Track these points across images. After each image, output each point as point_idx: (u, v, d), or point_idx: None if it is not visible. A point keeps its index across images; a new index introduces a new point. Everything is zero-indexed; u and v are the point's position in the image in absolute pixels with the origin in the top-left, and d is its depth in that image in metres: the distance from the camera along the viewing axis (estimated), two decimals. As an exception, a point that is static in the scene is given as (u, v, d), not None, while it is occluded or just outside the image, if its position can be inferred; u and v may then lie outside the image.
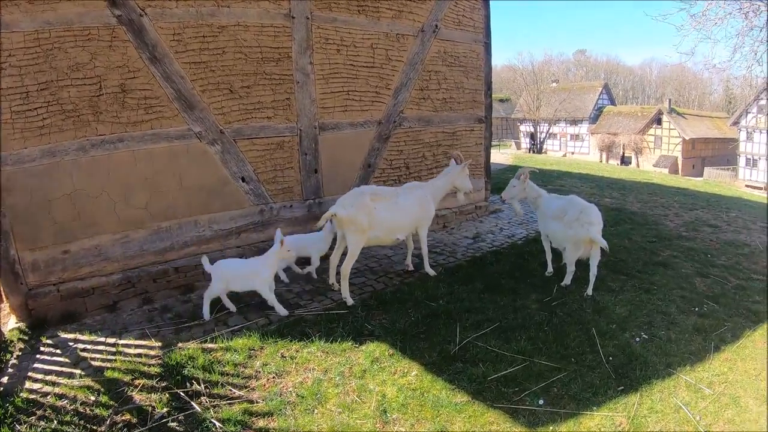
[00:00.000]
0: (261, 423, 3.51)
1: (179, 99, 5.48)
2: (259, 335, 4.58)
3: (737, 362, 4.31)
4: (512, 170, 16.24)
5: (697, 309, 5.26)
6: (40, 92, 4.81)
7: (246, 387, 3.92)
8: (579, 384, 3.87)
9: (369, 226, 5.26)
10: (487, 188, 8.91)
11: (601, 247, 5.22)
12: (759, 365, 4.28)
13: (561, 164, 20.44)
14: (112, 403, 3.73)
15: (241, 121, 5.92)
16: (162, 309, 5.32)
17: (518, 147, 48.49)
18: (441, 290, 5.57)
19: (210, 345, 4.48)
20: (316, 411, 3.62)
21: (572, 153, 47.40)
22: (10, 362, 4.33)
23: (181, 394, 3.79)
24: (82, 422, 3.53)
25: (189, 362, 4.18)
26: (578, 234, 5.27)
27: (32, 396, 3.84)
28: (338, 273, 5.48)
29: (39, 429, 3.44)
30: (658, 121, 43.21)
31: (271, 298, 5.03)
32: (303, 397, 3.75)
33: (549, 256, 6.11)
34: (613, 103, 50.56)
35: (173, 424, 3.50)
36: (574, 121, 48.10)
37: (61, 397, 3.81)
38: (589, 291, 5.42)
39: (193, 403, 3.68)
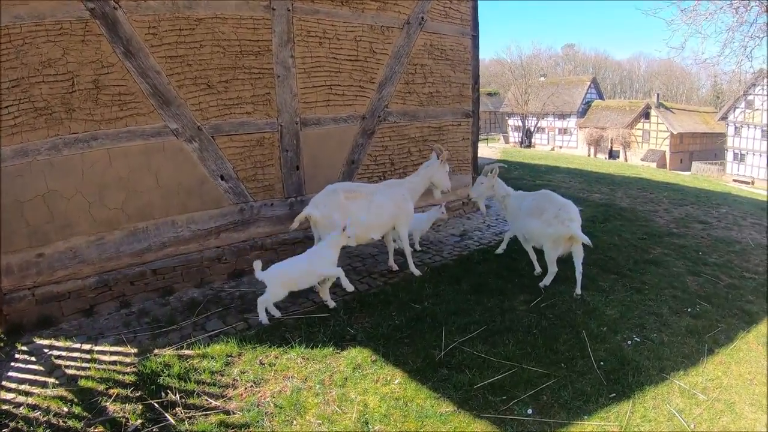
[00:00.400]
0: (237, 435, 3.38)
1: (155, 95, 5.28)
2: (237, 341, 4.43)
3: (731, 366, 4.23)
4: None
5: (689, 309, 5.18)
6: (10, 90, 4.60)
7: (223, 396, 3.77)
8: (569, 391, 3.76)
9: (348, 223, 5.06)
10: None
11: (583, 244, 5.12)
12: (753, 369, 4.21)
13: (549, 159, 20.39)
14: (85, 414, 3.58)
15: (220, 117, 5.72)
16: (139, 313, 5.16)
17: (506, 141, 48.46)
18: (426, 291, 5.43)
19: (186, 351, 4.33)
20: (294, 422, 3.49)
21: (560, 147, 47.46)
22: (-17, 370, 4.17)
23: (155, 405, 3.63)
24: (54, 435, 3.39)
25: (164, 370, 4.03)
26: (558, 231, 5.17)
27: (5, 407, 3.67)
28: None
29: (10, 442, 3.30)
30: (646, 116, 43.37)
31: (343, 276, 4.98)
32: (281, 408, 3.61)
33: (533, 256, 5.97)
34: (601, 97, 50.67)
35: (146, 437, 3.36)
36: (563, 116, 48.15)
37: (34, 408, 3.66)
38: (578, 290, 5.32)
39: (167, 414, 3.53)
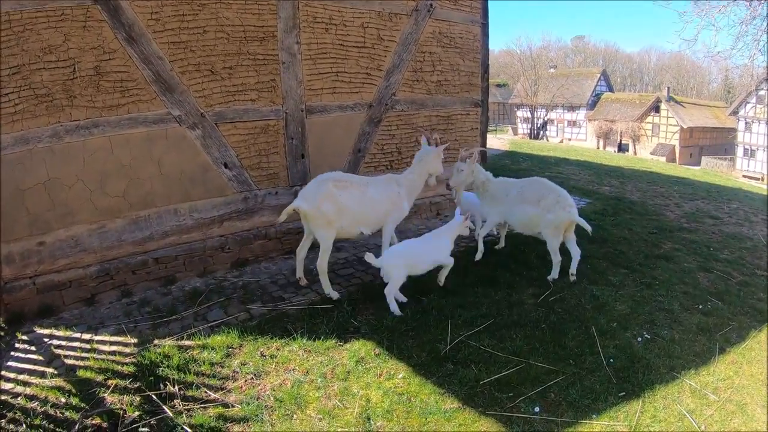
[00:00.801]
0: (236, 429, 3.31)
1: (157, 81, 5.18)
2: (238, 331, 4.35)
3: (743, 365, 4.10)
4: (508, 156, 16.02)
5: (700, 306, 5.05)
6: (11, 77, 4.50)
7: (222, 389, 3.70)
8: (578, 389, 3.65)
9: (337, 216, 4.92)
10: (483, 175, 8.63)
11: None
12: (766, 369, 4.08)
13: (558, 151, 20.12)
14: (83, 405, 3.52)
15: (223, 104, 5.61)
16: (141, 302, 5.09)
17: (515, 132, 48.07)
18: (433, 283, 5.29)
19: (187, 342, 4.26)
20: (294, 417, 3.40)
21: (569, 139, 47.01)
22: (-16, 360, 4.12)
23: (153, 397, 3.56)
24: (51, 426, 3.33)
25: (164, 361, 3.96)
26: (560, 217, 5.20)
27: (3, 397, 3.61)
28: (314, 268, 5.16)
29: (6, 433, 3.24)
30: (656, 109, 42.83)
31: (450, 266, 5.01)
32: (281, 401, 3.53)
33: (503, 233, 6.22)
34: (611, 89, 50.09)
35: (144, 429, 3.29)
36: (572, 108, 47.65)
37: (32, 398, 3.60)
38: (573, 270, 5.37)
39: (165, 407, 3.45)
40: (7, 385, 3.76)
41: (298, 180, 6.31)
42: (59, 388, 3.69)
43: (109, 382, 3.75)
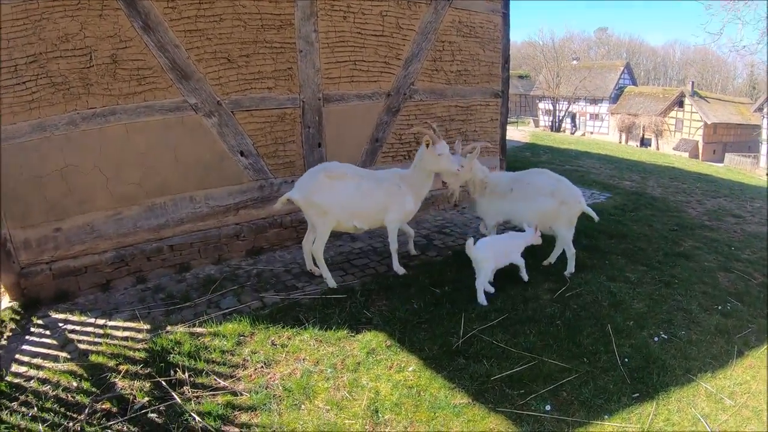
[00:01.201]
0: (244, 418, 3.30)
1: (174, 69, 5.17)
2: (250, 320, 4.36)
3: (761, 370, 3.91)
4: (528, 148, 15.79)
5: (719, 307, 4.86)
6: (28, 65, 4.54)
7: (232, 377, 3.70)
8: (591, 388, 3.55)
9: (330, 207, 4.82)
10: (502, 167, 8.49)
11: None
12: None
13: (579, 144, 19.73)
14: (93, 389, 3.56)
15: (240, 92, 5.59)
16: (155, 289, 5.12)
17: (536, 125, 47.38)
18: (448, 275, 5.25)
19: (198, 329, 4.28)
20: (302, 407, 3.38)
21: (591, 133, 46.19)
22: (0, 343, 4.18)
23: (163, 383, 3.58)
24: (62, 409, 3.38)
25: (175, 348, 3.98)
26: (574, 210, 5.14)
27: (17, 380, 3.68)
28: (328, 258, 5.16)
29: (19, 416, 3.28)
30: (680, 104, 41.73)
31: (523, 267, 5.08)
32: (290, 391, 3.51)
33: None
34: (634, 83, 48.94)
35: (153, 415, 3.31)
36: (594, 100, 46.77)
37: (44, 382, 3.65)
38: (553, 259, 5.50)
39: (174, 393, 3.46)
40: (21, 369, 3.81)
41: (315, 169, 6.27)
42: (71, 373, 3.74)
43: (121, 367, 3.78)
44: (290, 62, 5.84)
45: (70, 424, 3.22)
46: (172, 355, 3.88)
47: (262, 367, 3.80)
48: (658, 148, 40.26)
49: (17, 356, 3.99)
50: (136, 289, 5.13)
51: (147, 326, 4.35)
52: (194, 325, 4.33)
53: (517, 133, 23.21)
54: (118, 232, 5.18)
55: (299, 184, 4.91)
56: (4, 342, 4.22)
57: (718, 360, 4.01)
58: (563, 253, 5.42)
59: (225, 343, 4.06)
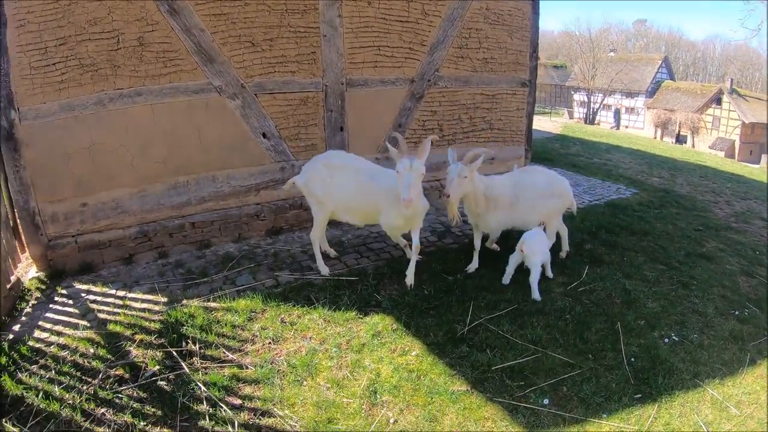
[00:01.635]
0: (247, 390, 3.41)
1: (199, 52, 5.28)
2: (263, 297, 4.48)
3: (772, 380, 3.79)
4: (558, 139, 15.50)
5: (736, 312, 4.70)
6: (58, 47, 4.71)
7: (240, 351, 3.82)
8: (592, 385, 3.51)
9: (325, 197, 4.78)
10: (527, 157, 8.37)
11: None
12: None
13: (611, 137, 19.20)
14: (109, 356, 3.72)
15: (263, 75, 5.67)
16: (175, 264, 5.29)
17: (570, 116, 46.24)
18: (461, 263, 5.26)
19: (213, 304, 4.41)
20: (304, 383, 3.47)
21: (626, 127, 44.81)
22: (25, 311, 4.40)
23: (174, 353, 3.72)
24: (78, 373, 3.54)
25: (188, 321, 4.12)
26: (566, 202, 5.29)
27: (38, 345, 3.87)
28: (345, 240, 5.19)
29: (37, 378, 3.46)
30: (718, 101, 39.94)
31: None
32: (294, 367, 3.61)
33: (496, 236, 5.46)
34: (672, 77, 47.02)
35: (162, 383, 3.45)
36: (630, 94, 45.29)
37: (63, 347, 3.83)
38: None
39: (183, 363, 3.60)
40: (43, 335, 4.01)
41: (336, 153, 6.34)
42: (89, 340, 3.91)
43: (136, 336, 3.94)
44: (314, 46, 5.89)
45: (84, 387, 3.39)
46: (185, 328, 4.02)
47: (270, 343, 3.91)
48: (693, 146, 38.82)
49: (40, 323, 4.19)
50: (157, 264, 5.31)
51: (164, 299, 4.51)
52: (209, 300, 4.47)
53: (550, 123, 22.81)
54: (142, 209, 5.36)
55: (304, 169, 4.96)
56: (29, 309, 4.43)
57: (729, 367, 3.89)
58: (578, 247, 5.39)
59: (237, 318, 4.18)
